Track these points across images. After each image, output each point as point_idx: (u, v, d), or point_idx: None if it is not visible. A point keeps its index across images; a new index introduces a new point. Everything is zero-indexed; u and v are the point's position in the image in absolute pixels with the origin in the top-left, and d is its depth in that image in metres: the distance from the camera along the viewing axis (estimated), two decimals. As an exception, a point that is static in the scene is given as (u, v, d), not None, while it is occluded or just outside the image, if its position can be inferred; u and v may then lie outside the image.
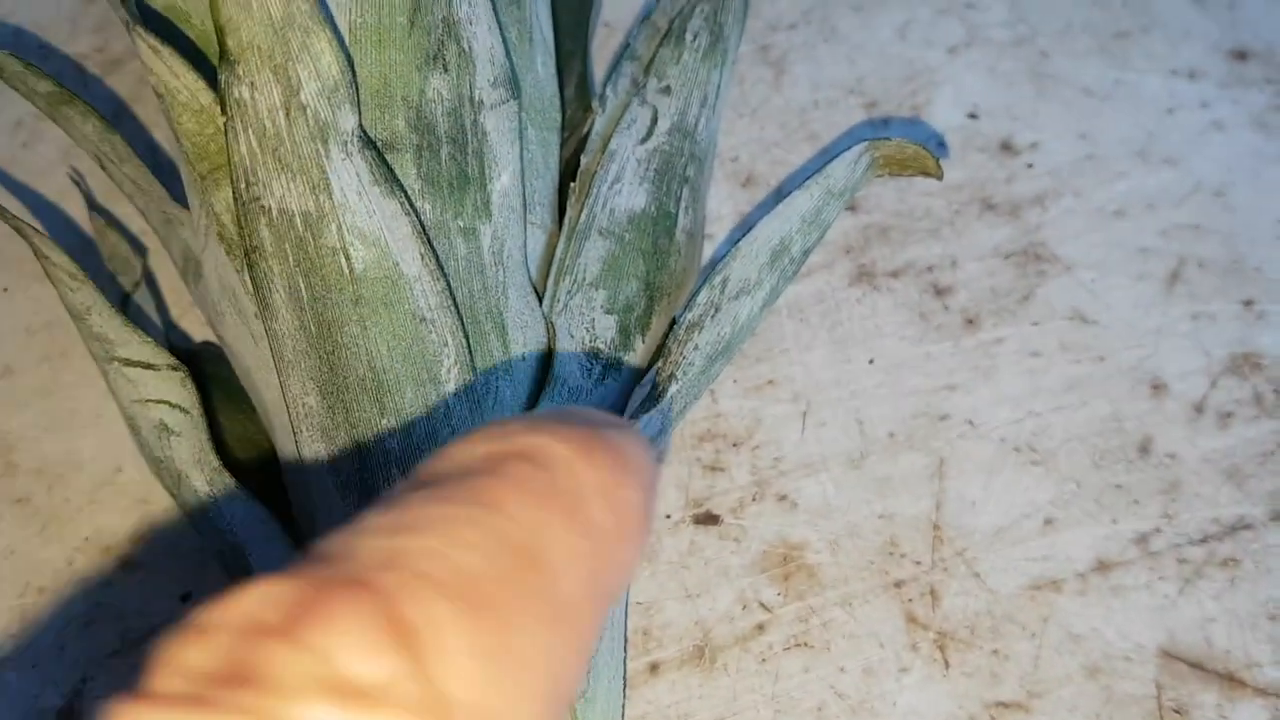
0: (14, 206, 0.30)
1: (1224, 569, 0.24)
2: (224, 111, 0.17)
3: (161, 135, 0.31)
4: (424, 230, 0.19)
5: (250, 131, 0.17)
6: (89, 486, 0.26)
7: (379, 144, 0.18)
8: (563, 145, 0.25)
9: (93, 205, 0.28)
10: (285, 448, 0.20)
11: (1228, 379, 0.27)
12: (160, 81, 0.18)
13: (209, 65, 0.19)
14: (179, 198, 0.21)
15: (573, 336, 0.22)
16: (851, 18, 0.32)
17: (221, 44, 0.16)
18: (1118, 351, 0.27)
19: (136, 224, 0.29)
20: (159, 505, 0.26)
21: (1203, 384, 0.27)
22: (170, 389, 0.21)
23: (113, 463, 0.27)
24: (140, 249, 0.28)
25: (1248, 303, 0.27)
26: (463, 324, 0.19)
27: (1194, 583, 0.24)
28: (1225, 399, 0.26)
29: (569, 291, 0.22)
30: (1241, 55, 0.31)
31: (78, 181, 0.29)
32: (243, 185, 0.18)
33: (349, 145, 0.17)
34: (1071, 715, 0.23)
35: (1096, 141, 0.30)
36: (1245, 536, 0.25)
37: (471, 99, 0.20)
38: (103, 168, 0.23)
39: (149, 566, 0.26)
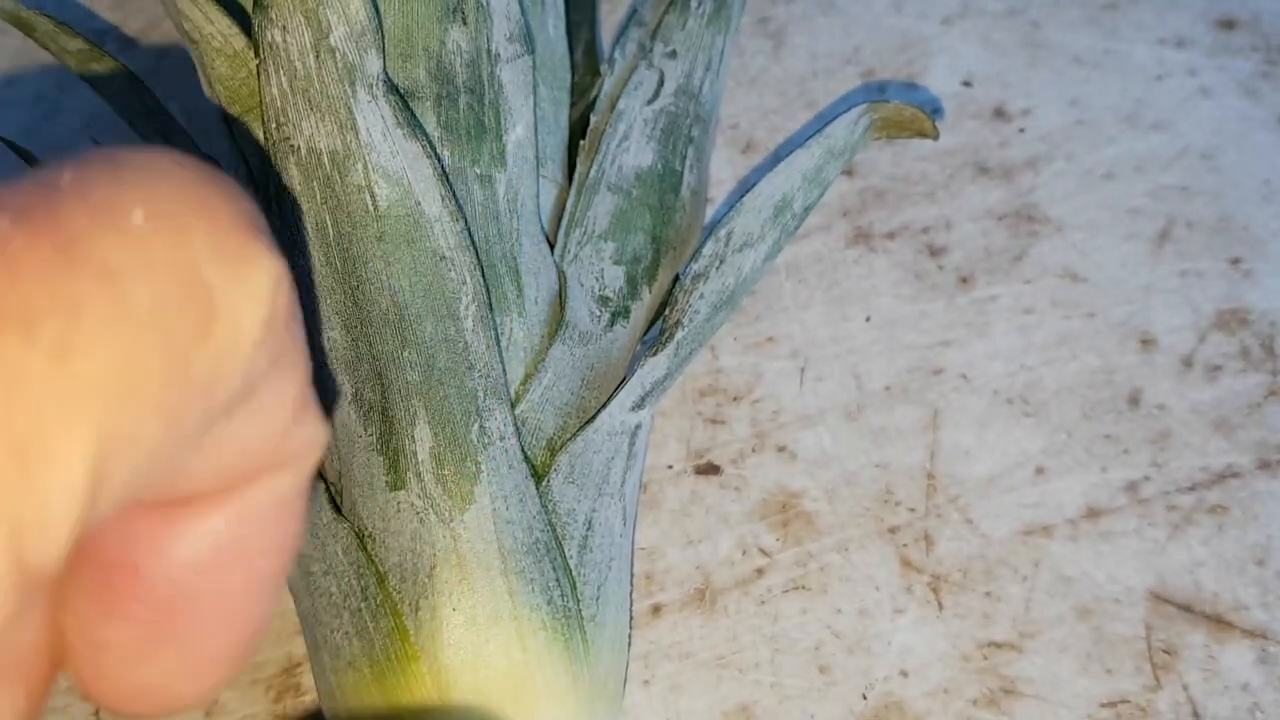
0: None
1: (1212, 515, 0.25)
2: (257, 55, 0.18)
3: (177, 107, 0.32)
4: (444, 173, 0.19)
5: (281, 73, 0.18)
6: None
7: (401, 91, 0.19)
8: (571, 107, 0.26)
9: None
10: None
11: (1215, 334, 0.27)
12: (195, 28, 0.19)
13: (240, 11, 0.20)
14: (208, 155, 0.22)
15: (582, 285, 0.23)
16: (849, -11, 0.33)
17: (255, -12, 0.17)
18: (1107, 308, 0.28)
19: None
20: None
21: (1191, 338, 0.27)
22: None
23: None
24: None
25: (1234, 260, 0.28)
26: (480, 264, 0.20)
27: (1183, 529, 0.25)
28: (1213, 353, 0.27)
29: (579, 242, 0.23)
30: (1228, 24, 0.32)
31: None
32: (273, 125, 0.18)
33: (374, 88, 0.18)
34: (1063, 655, 0.24)
35: (1086, 108, 0.31)
36: (1233, 484, 0.26)
37: (488, 51, 0.21)
38: (131, 125, 0.24)
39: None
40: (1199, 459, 0.26)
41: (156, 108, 0.23)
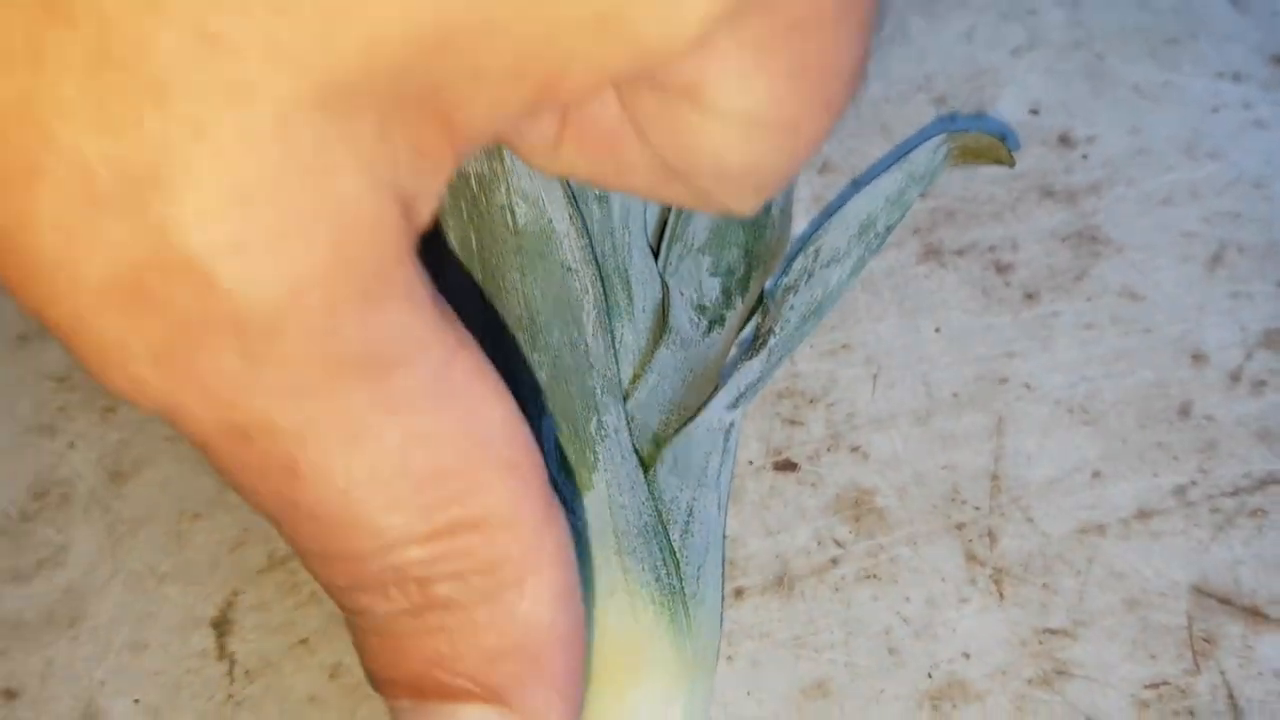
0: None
1: (1253, 518, 0.27)
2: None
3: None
4: (572, 195, 0.22)
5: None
6: (242, 422, 0.30)
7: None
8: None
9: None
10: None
11: (1262, 351, 0.29)
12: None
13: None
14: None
15: (682, 294, 0.25)
16: (921, 22, 0.35)
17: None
18: (1163, 325, 0.30)
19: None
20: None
21: (1239, 355, 0.29)
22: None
23: (263, 402, 0.30)
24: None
25: (1282, 284, 0.30)
26: (600, 275, 0.22)
27: (1225, 530, 0.27)
28: (1259, 369, 0.29)
29: (679, 255, 0.26)
30: (1282, 60, 0.34)
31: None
32: (430, 151, 0.21)
33: (520, 119, 0.21)
34: (1111, 641, 0.26)
35: (1147, 136, 0.33)
36: (1273, 490, 0.28)
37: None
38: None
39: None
40: (1242, 466, 0.28)
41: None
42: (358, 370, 0.12)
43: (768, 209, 0.28)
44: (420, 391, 0.13)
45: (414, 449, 0.12)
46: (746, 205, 0.15)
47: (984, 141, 0.26)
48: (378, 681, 0.14)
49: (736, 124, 0.13)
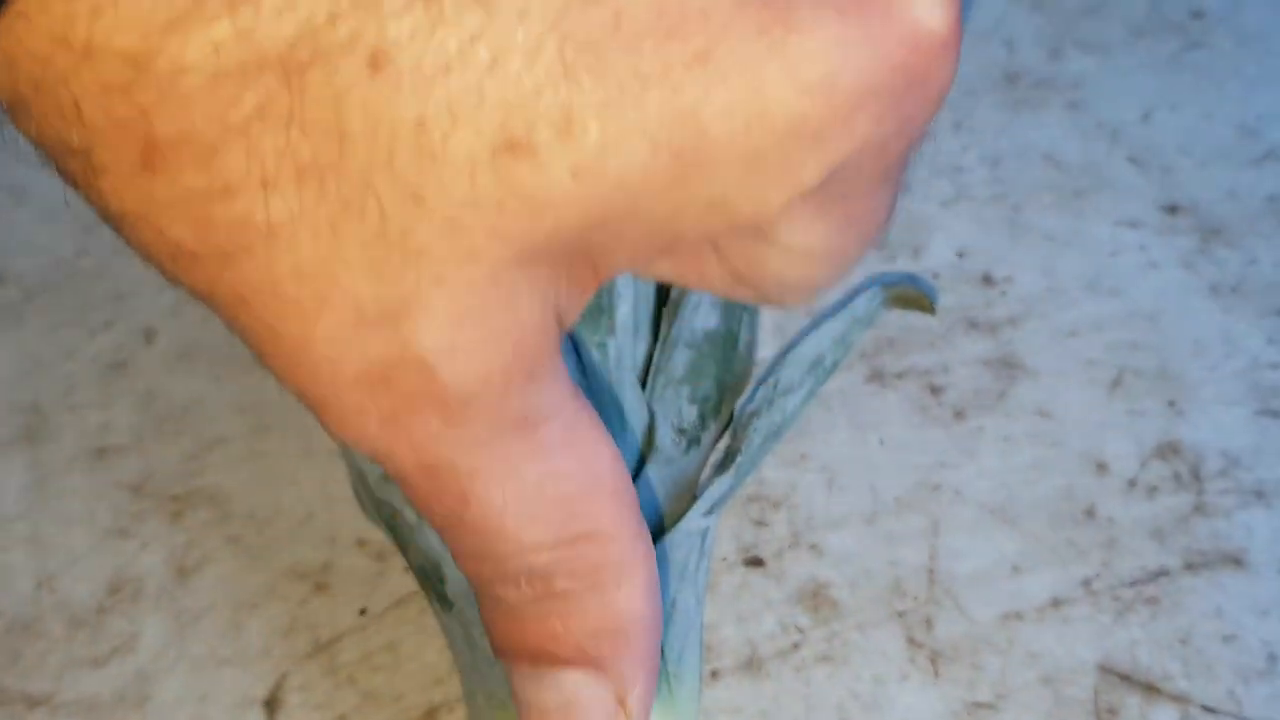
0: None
1: (1148, 605, 0.32)
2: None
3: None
4: (574, 344, 0.27)
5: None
6: (288, 528, 0.35)
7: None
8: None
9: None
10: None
11: (1155, 461, 0.35)
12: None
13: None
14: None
15: (666, 419, 0.31)
16: (868, 176, 0.41)
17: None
18: (1071, 439, 0.35)
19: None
20: (343, 544, 0.34)
21: (1135, 465, 0.35)
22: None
23: (307, 509, 0.35)
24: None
25: (1171, 402, 0.36)
26: (601, 405, 0.28)
27: (1125, 615, 0.32)
28: (1153, 476, 0.34)
29: (663, 386, 0.31)
30: (1173, 209, 0.40)
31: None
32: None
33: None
34: (1029, 714, 0.31)
35: (1057, 276, 0.39)
36: (1164, 581, 0.33)
37: (607, 255, 0.29)
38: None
39: (334, 589, 0.34)
40: (1138, 561, 0.33)
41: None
42: (517, 427, 0.17)
43: (735, 344, 0.33)
44: (557, 440, 0.18)
45: (549, 482, 0.18)
46: (800, 302, 0.20)
47: (912, 293, 0.32)
48: (502, 651, 0.19)
49: (799, 255, 0.18)
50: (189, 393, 0.37)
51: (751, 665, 0.32)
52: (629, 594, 0.18)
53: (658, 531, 0.29)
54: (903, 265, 0.39)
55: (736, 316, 0.33)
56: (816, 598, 0.33)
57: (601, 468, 0.18)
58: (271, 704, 0.32)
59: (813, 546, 0.34)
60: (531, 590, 0.18)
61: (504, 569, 0.18)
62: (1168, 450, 0.35)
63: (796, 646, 0.32)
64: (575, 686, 0.19)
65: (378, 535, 0.34)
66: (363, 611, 0.33)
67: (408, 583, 0.33)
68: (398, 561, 0.34)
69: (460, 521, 0.18)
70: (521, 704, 0.19)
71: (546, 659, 0.19)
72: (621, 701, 0.19)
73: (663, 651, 0.27)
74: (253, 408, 0.37)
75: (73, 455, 0.37)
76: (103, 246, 0.42)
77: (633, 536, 0.19)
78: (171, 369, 0.38)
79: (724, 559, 0.34)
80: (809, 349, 0.31)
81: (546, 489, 0.18)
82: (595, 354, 0.29)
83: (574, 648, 0.18)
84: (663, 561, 0.28)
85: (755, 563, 0.34)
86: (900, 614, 0.32)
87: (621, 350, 0.30)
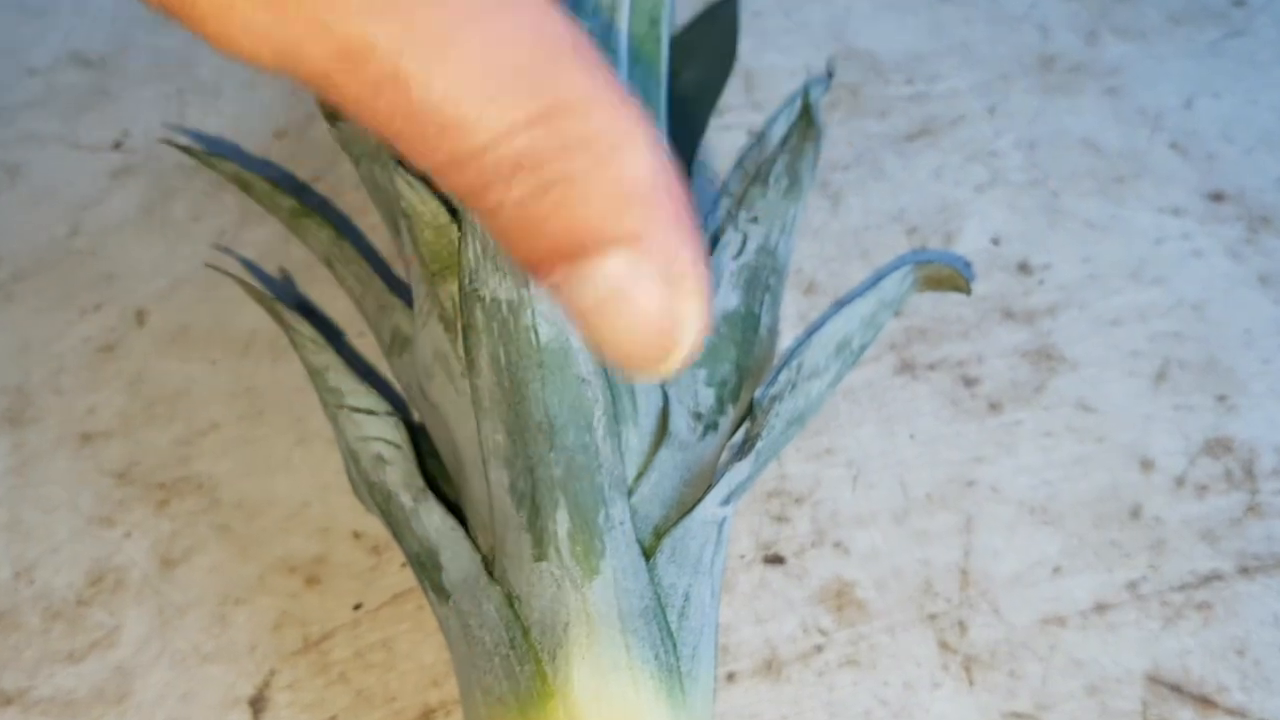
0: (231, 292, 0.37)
1: (1199, 611, 0.30)
2: (459, 230, 0.24)
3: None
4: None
5: (477, 243, 0.24)
6: (279, 518, 0.33)
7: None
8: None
9: (296, 296, 0.35)
10: (472, 475, 0.26)
11: (1204, 458, 0.33)
12: (410, 206, 0.25)
13: (443, 195, 0.26)
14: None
15: (681, 402, 0.29)
16: (895, 161, 0.40)
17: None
18: (1114, 434, 0.33)
19: (331, 309, 0.36)
20: (337, 535, 0.32)
21: (1183, 462, 0.32)
22: (386, 429, 0.28)
23: (300, 499, 0.33)
24: (336, 331, 0.35)
25: (1221, 397, 0.34)
26: (610, 385, 0.26)
27: (1174, 622, 0.30)
28: (1202, 475, 0.32)
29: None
30: (1218, 196, 0.38)
31: (288, 277, 0.36)
32: (466, 281, 0.24)
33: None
34: (1074, 724, 0.29)
35: (1097, 264, 0.37)
36: (1217, 586, 0.30)
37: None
38: (329, 266, 0.30)
39: (326, 583, 0.32)
40: (1188, 564, 0.31)
41: (354, 257, 0.29)
42: None
43: (756, 327, 0.31)
44: (489, 3, 0.16)
45: (494, 50, 0.16)
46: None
47: (945, 272, 0.30)
48: (529, 265, 0.17)
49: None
50: (180, 377, 0.36)
51: (771, 668, 0.30)
52: (633, 159, 0.16)
53: (671, 520, 0.27)
54: (933, 254, 0.37)
55: (758, 298, 0.31)
56: (841, 598, 0.31)
57: (553, 28, 0.16)
58: (258, 703, 0.30)
59: (837, 544, 0.32)
60: (526, 184, 0.16)
61: (484, 167, 0.16)
62: (1218, 446, 0.33)
63: (819, 649, 0.30)
64: (616, 272, 0.16)
65: (374, 527, 0.32)
66: (357, 607, 0.31)
67: (405, 578, 0.31)
68: (394, 555, 0.32)
69: (412, 119, 0.16)
70: (573, 315, 0.17)
71: (577, 251, 0.16)
72: (669, 272, 0.16)
73: (676, 647, 0.25)
74: (245, 393, 0.35)
75: (57, 439, 0.35)
76: (95, 226, 0.40)
77: (614, 101, 0.17)
78: (163, 352, 0.36)
79: (742, 556, 0.32)
80: (835, 330, 0.29)
81: (493, 60, 0.16)
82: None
83: (599, 229, 0.16)
84: (678, 552, 0.26)
85: (775, 560, 0.32)
86: (931, 617, 0.30)
87: (635, 326, 0.28)
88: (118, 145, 0.42)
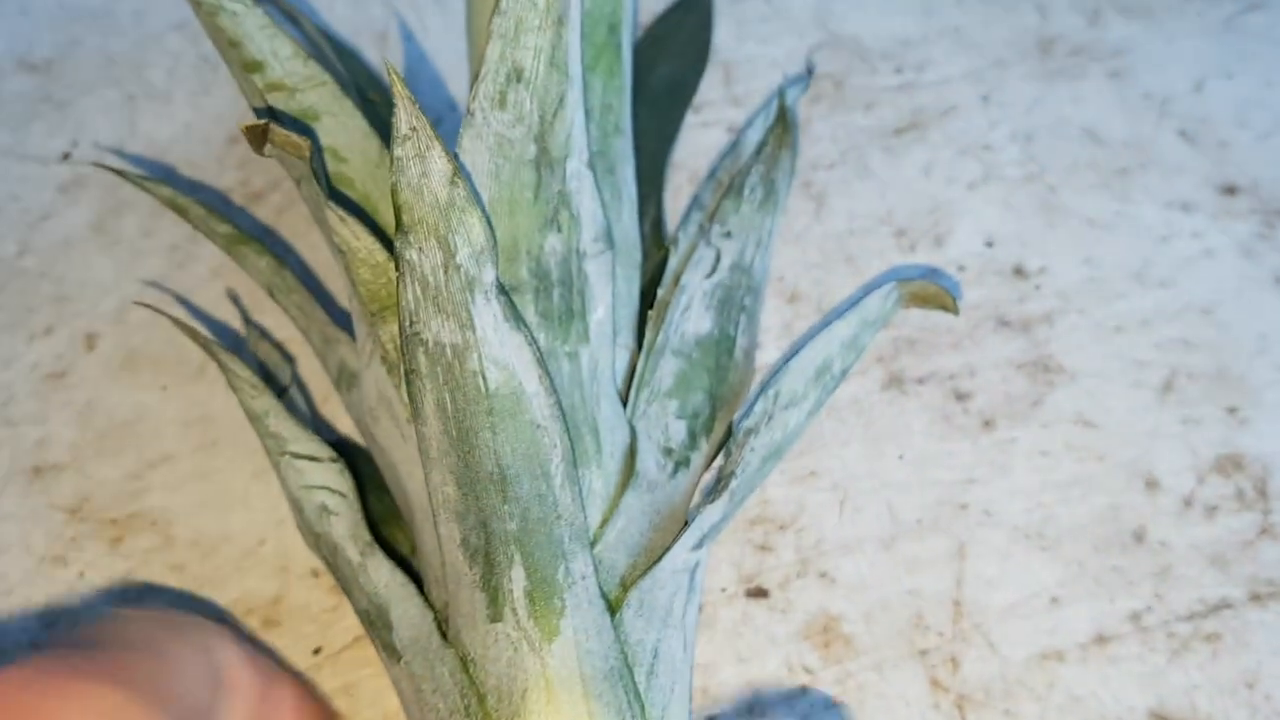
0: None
1: (1208, 643, 0.28)
2: (397, 268, 0.22)
3: (295, 259, 0.37)
4: (541, 357, 0.23)
5: (416, 283, 0.22)
6: (235, 556, 0.31)
7: (508, 289, 0.23)
8: (642, 274, 0.30)
9: (247, 320, 0.33)
10: (424, 527, 0.25)
11: (1214, 477, 0.31)
12: (343, 241, 0.23)
13: (380, 230, 0.24)
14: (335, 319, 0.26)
15: (650, 438, 0.27)
16: (882, 158, 0.37)
17: (398, 219, 0.21)
18: (1116, 451, 0.31)
19: (281, 334, 0.34)
20: (296, 573, 0.31)
21: (1191, 481, 0.31)
22: (331, 477, 0.26)
23: (257, 537, 0.31)
24: (288, 356, 0.33)
25: (1232, 409, 0.32)
26: (567, 430, 0.24)
27: (1181, 655, 0.28)
28: (1211, 494, 0.30)
29: (647, 401, 0.27)
30: (1230, 189, 0.36)
31: (235, 300, 0.34)
32: (406, 323, 0.23)
33: (489, 293, 0.22)
34: (1074, 768, 0.27)
35: (1098, 266, 0.34)
36: (1227, 615, 0.29)
37: (577, 250, 0.25)
38: (271, 295, 0.28)
39: (285, 625, 0.30)
40: (1196, 591, 0.29)
41: (295, 285, 0.27)
42: None
43: (731, 350, 0.29)
44: None
45: None
46: None
47: (931, 290, 0.28)
48: None
49: None
50: (131, 405, 0.34)
51: (754, 712, 0.28)
52: None
53: (639, 569, 0.25)
54: (924, 256, 0.35)
55: (732, 319, 0.29)
56: (827, 633, 0.29)
57: None
58: (214, 756, 0.28)
59: (823, 574, 0.30)
60: None
61: None
62: (1228, 464, 0.31)
63: (804, 690, 0.28)
64: None
65: (334, 565, 0.30)
66: (316, 651, 0.30)
67: (367, 619, 0.30)
68: (356, 595, 0.30)
69: None
70: None
71: None
72: None
73: (645, 710, 0.24)
74: (199, 421, 0.33)
75: (7, 474, 0.33)
76: (45, 244, 0.38)
77: None
78: (114, 378, 0.35)
79: (723, 589, 0.30)
80: (814, 355, 0.27)
81: None
82: (566, 365, 0.25)
83: None
84: (646, 604, 0.25)
85: (758, 593, 0.30)
86: (922, 652, 0.28)
87: (597, 360, 0.26)
88: (66, 156, 0.40)
